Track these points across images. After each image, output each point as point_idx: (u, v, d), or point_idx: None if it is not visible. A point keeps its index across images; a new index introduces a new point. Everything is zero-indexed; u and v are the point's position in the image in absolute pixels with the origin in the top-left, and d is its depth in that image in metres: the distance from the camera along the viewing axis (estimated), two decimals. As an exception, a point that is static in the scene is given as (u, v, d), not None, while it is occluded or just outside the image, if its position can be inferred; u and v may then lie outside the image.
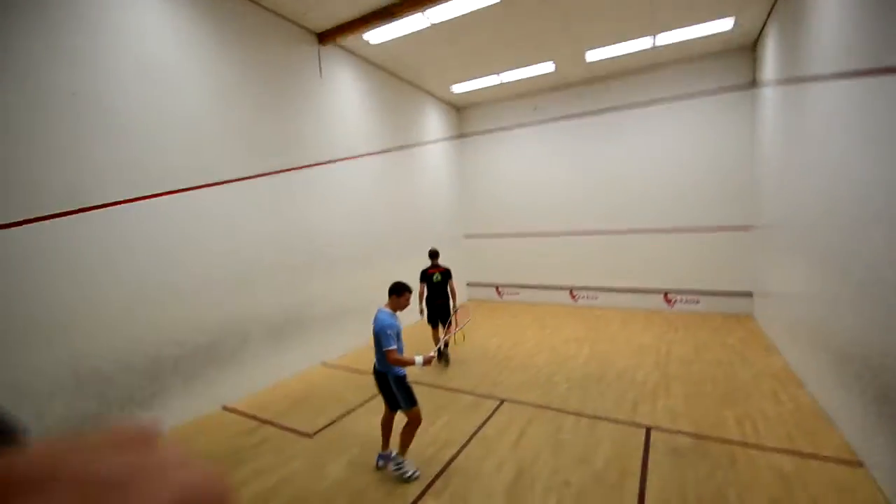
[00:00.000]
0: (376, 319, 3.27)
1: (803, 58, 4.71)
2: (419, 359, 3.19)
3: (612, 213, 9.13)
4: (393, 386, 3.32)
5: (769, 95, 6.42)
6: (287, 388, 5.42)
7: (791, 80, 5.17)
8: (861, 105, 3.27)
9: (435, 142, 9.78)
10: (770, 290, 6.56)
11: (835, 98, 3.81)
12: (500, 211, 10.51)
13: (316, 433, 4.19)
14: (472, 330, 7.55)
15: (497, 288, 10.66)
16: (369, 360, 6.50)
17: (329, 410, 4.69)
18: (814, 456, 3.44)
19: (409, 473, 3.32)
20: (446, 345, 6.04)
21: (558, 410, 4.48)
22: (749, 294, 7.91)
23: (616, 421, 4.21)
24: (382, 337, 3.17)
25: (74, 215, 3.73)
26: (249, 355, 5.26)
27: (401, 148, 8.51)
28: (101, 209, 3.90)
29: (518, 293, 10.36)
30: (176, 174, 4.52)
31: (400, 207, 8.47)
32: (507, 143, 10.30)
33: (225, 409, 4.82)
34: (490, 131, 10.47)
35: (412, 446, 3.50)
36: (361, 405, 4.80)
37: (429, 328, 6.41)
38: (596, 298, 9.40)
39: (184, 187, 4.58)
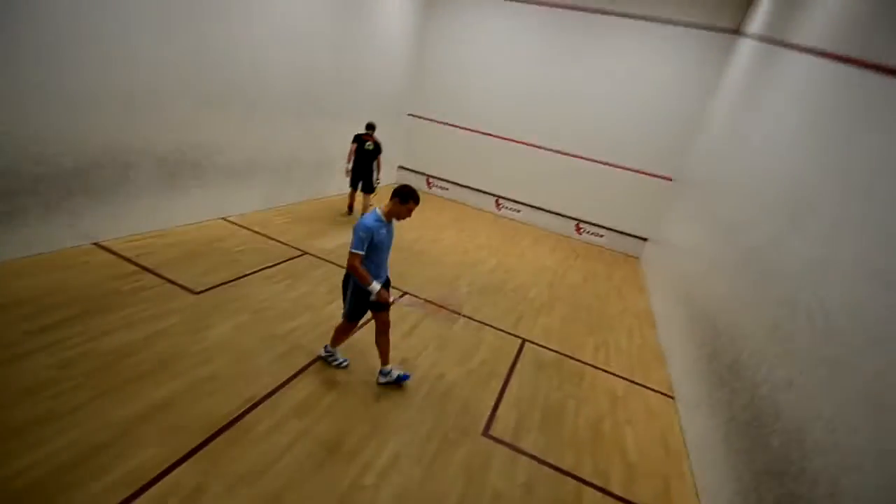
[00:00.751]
0: (360, 217, 2.89)
1: (791, 21, 4.50)
2: (376, 285, 2.89)
3: (554, 131, 8.95)
4: (350, 290, 3.08)
5: (746, 51, 6.24)
6: (176, 237, 4.95)
7: (772, 41, 4.98)
8: (828, 95, 3.21)
9: (398, -9, 8.23)
10: (664, 239, 7.29)
11: (806, 78, 3.73)
12: (450, 97, 9.70)
13: (202, 291, 3.99)
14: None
15: (428, 178, 10.40)
16: (276, 224, 6.22)
17: (221, 270, 4.45)
18: (642, 385, 4.22)
19: (338, 362, 3.43)
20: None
21: (453, 312, 4.79)
22: (645, 239, 8.76)
23: (500, 329, 4.65)
24: (353, 236, 2.82)
25: None
26: (133, 191, 4.57)
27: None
28: None
29: (447, 189, 10.25)
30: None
31: (345, 61, 7.31)
32: (476, 20, 9.08)
33: (98, 245, 4.30)
34: (463, -1, 9.07)
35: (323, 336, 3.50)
36: (259, 271, 4.63)
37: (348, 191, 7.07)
38: (518, 212, 9.71)
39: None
